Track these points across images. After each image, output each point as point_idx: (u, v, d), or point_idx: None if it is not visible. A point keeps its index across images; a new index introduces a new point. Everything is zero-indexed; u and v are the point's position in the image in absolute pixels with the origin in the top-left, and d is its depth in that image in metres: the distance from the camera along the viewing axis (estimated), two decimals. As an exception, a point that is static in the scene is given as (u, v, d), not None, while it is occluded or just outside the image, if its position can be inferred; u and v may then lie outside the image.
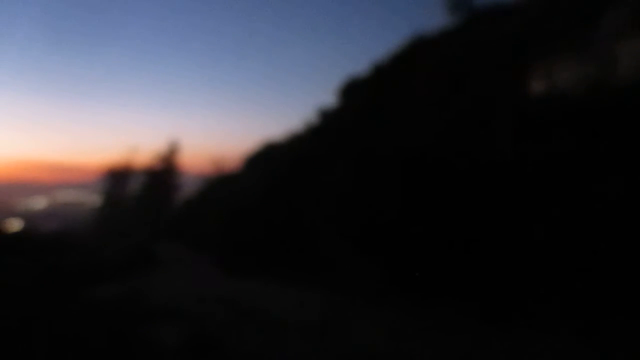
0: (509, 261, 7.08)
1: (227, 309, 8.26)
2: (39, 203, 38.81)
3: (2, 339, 5.79)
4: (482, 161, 7.65)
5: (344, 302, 8.20)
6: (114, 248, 13.71)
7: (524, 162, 7.28)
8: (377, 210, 8.78)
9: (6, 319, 6.52)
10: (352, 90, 17.15)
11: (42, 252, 12.77)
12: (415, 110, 9.58)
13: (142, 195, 23.52)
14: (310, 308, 7.88)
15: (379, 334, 6.84)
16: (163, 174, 23.40)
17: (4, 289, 8.68)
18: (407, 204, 8.32)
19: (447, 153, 8.13)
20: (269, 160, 16.15)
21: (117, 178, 23.55)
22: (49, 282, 9.50)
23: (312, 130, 15.79)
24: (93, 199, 27.55)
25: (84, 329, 6.50)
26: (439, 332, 6.83)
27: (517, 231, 7.02)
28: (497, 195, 7.37)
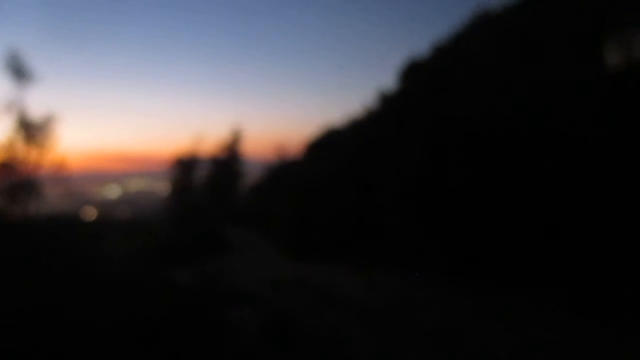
0: (587, 246, 6.84)
1: (299, 292, 8.47)
2: (113, 192, 40.76)
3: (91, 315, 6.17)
4: (564, 137, 7.33)
5: (414, 287, 8.21)
6: (187, 233, 14.27)
7: (612, 137, 6.95)
8: (446, 190, 8.65)
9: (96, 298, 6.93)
10: (414, 72, 16.88)
11: (121, 237, 13.50)
12: (484, 86, 9.31)
13: (209, 182, 24.31)
14: (379, 292, 7.95)
15: (451, 319, 6.82)
16: (228, 161, 24.09)
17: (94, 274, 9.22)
18: (480, 183, 8.15)
19: (524, 128, 7.85)
20: (331, 146, 16.23)
21: (184, 166, 24.38)
22: (133, 264, 10.02)
23: (374, 114, 15.69)
24: (163, 187, 28.72)
25: (169, 310, 6.85)
26: (511, 321, 6.73)
27: (603, 213, 6.75)
28: (581, 171, 7.07)
